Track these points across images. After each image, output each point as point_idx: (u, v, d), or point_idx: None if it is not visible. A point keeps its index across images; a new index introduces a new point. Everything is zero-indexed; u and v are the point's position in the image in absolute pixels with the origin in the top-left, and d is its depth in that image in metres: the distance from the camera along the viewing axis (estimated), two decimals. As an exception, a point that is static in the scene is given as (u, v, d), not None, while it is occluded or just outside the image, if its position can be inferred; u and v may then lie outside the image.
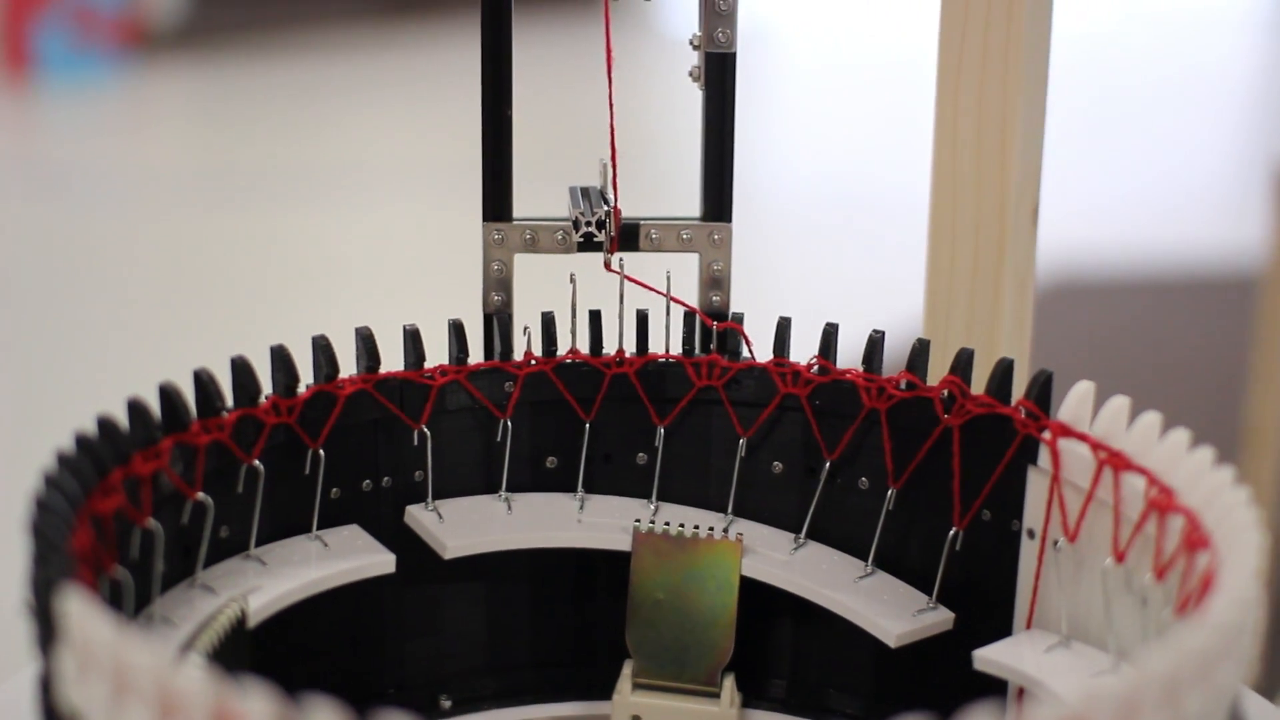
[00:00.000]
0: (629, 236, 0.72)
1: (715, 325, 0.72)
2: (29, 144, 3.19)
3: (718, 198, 0.72)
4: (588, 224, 0.71)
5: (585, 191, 0.73)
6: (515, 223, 0.72)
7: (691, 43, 0.71)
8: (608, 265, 0.71)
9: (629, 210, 0.72)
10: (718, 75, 0.71)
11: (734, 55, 0.71)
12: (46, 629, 0.49)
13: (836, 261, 2.44)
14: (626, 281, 0.72)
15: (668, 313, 0.72)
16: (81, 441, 0.57)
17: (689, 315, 0.72)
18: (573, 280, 0.71)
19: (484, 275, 0.72)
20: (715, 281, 0.73)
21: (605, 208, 0.71)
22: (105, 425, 0.58)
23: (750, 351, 0.72)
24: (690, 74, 0.72)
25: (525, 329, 0.71)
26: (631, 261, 0.72)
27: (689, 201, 0.74)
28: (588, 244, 0.71)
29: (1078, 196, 2.69)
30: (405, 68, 3.72)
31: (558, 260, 0.72)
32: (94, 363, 2.00)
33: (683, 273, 0.73)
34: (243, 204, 2.66)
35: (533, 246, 0.72)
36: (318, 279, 2.34)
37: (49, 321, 2.15)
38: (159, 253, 2.43)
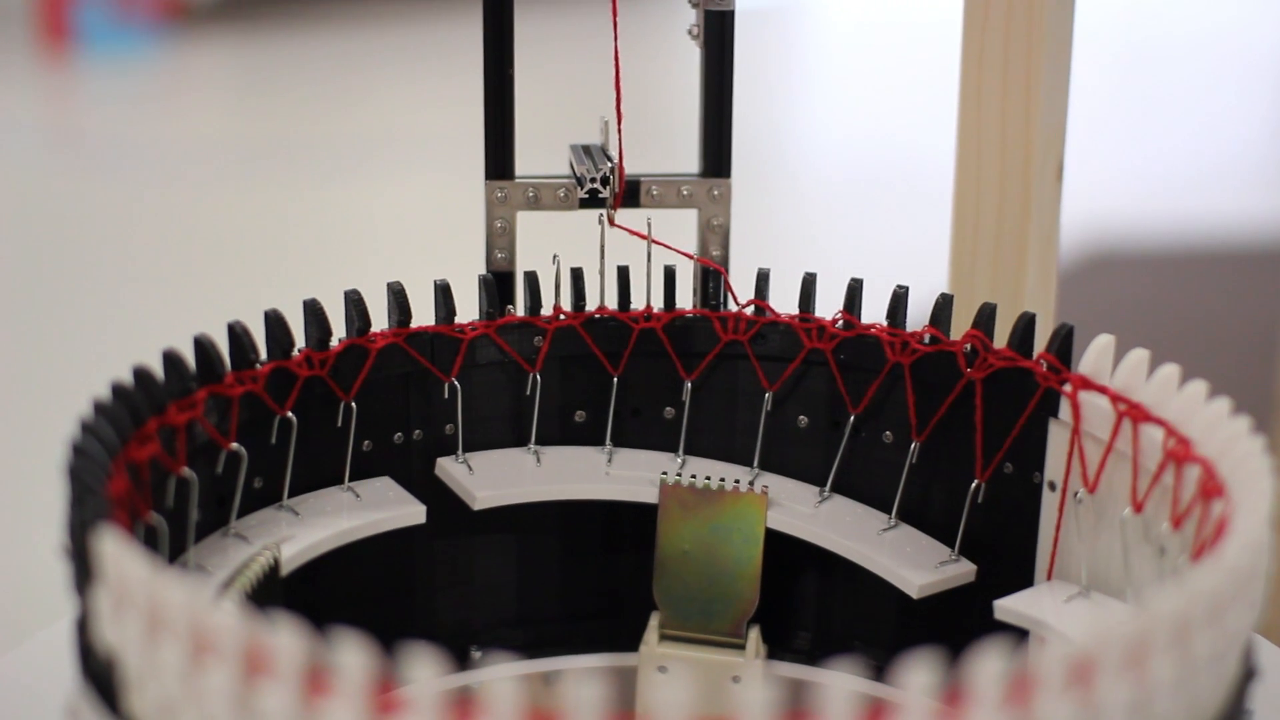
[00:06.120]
0: (630, 193, 0.73)
1: (740, 305, 0.72)
2: (69, 116, 3.20)
3: (717, 154, 0.73)
4: (592, 180, 0.72)
5: (587, 149, 0.74)
6: (518, 180, 0.73)
7: (690, 0, 0.72)
8: (612, 221, 0.72)
9: (629, 167, 0.73)
10: (716, 33, 0.72)
11: (733, 13, 0.71)
12: (83, 570, 0.50)
13: (861, 218, 2.43)
14: (639, 237, 0.72)
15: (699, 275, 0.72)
16: (118, 391, 0.58)
17: (713, 271, 0.73)
18: (601, 222, 0.72)
19: (487, 233, 0.73)
20: (715, 236, 0.74)
21: (609, 164, 0.72)
22: (141, 375, 0.59)
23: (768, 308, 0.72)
24: (689, 32, 0.72)
25: (555, 257, 0.71)
26: (630, 217, 0.73)
27: (689, 158, 0.75)
28: (591, 200, 0.72)
29: (1106, 166, 2.68)
30: (440, 36, 3.72)
31: (557, 219, 0.73)
32: (132, 324, 2.01)
33: (684, 227, 0.74)
34: (279, 173, 2.67)
35: (535, 204, 0.73)
36: (350, 242, 2.35)
37: (88, 288, 2.17)
38: (197, 221, 2.45)
